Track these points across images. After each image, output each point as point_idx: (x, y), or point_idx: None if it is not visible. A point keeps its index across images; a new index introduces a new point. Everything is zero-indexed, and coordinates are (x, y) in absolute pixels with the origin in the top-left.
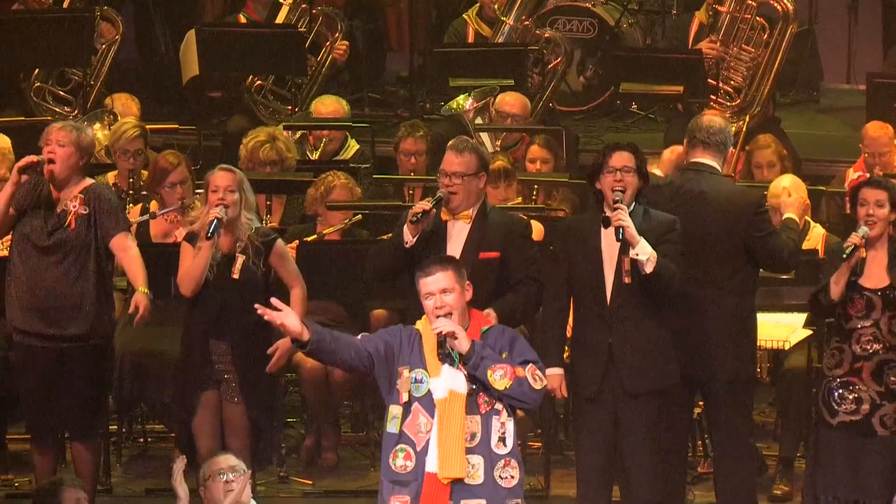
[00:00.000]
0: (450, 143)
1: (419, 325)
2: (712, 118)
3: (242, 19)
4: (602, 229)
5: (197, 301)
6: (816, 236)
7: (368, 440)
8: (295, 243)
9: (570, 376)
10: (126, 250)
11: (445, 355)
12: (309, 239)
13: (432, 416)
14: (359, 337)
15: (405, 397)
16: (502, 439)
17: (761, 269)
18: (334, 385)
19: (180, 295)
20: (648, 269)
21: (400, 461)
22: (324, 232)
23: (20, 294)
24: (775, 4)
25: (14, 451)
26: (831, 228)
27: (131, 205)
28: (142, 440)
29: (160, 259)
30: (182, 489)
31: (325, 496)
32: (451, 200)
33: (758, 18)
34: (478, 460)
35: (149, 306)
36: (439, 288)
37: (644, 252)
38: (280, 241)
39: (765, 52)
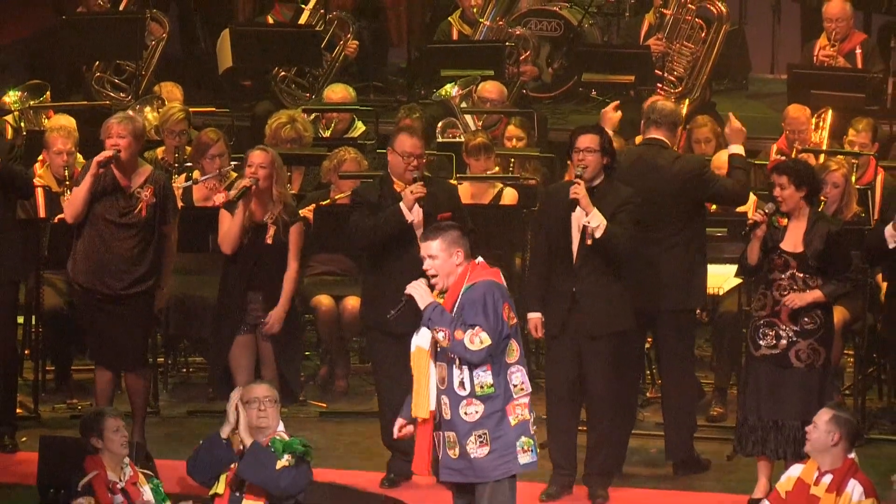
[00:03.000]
0: (405, 129)
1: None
2: (665, 103)
3: (270, 20)
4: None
5: (235, 259)
6: (749, 202)
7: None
8: (312, 206)
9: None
10: (168, 237)
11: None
12: (324, 203)
13: None
14: None
15: None
16: (462, 383)
17: (707, 227)
18: (345, 324)
19: (216, 249)
20: (598, 234)
21: None
22: (336, 197)
23: (91, 261)
24: (711, 7)
25: (77, 379)
26: (759, 195)
27: (176, 175)
28: (184, 370)
29: (201, 219)
30: (233, 415)
31: (337, 416)
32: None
33: (697, 19)
34: (446, 400)
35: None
36: (427, 254)
37: (595, 220)
38: (301, 224)
39: (702, 47)
